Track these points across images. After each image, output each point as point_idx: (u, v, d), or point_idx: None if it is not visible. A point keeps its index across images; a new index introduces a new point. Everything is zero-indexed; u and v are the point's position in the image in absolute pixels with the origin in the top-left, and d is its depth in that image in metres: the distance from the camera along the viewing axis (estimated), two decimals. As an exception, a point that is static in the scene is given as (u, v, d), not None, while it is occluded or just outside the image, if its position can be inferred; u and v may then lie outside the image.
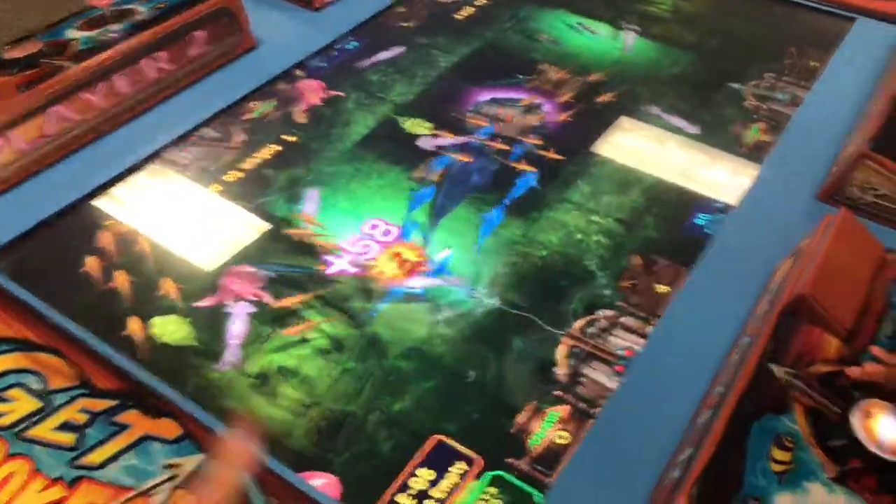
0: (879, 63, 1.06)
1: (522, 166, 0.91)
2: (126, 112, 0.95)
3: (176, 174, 0.90)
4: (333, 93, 1.02)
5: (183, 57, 1.00)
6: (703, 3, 1.21)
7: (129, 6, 1.02)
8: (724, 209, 0.86)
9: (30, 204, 0.85)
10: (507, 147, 0.94)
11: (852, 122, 0.96)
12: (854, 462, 0.56)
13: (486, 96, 1.02)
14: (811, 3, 1.19)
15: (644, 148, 0.94)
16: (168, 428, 0.64)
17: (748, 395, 0.59)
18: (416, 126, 0.97)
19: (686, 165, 0.92)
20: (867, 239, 0.71)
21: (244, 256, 0.80)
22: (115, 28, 0.97)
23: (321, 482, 0.62)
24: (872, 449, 0.56)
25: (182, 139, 0.95)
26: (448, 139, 0.94)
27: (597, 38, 1.14)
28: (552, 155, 0.93)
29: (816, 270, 0.65)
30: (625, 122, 0.98)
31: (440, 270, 0.79)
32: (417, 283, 0.78)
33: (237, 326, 0.74)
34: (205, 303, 0.76)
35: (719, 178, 0.91)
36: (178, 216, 0.85)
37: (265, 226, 0.84)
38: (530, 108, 1.00)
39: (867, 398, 0.59)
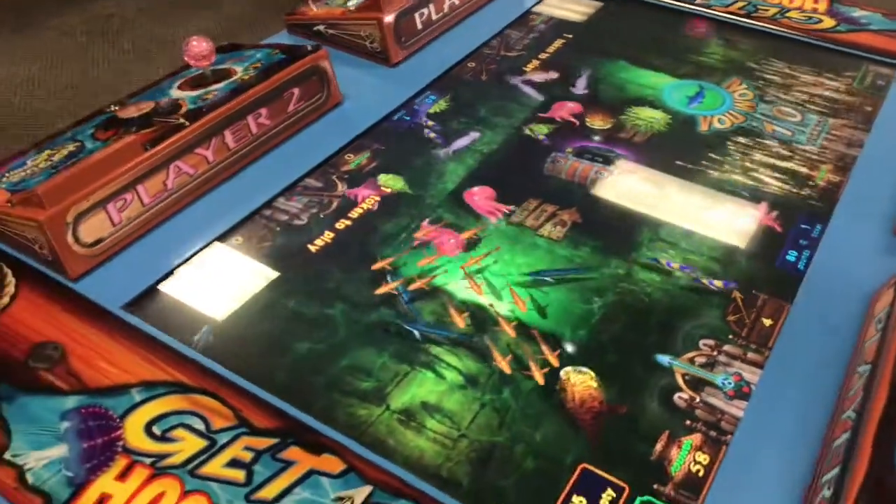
0: (929, 106, 1.13)
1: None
2: (234, 165, 1.00)
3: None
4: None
5: (281, 113, 1.05)
6: (751, 53, 1.28)
7: (225, 66, 1.08)
8: (810, 245, 0.91)
9: (159, 253, 0.89)
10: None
11: (913, 161, 1.02)
12: None
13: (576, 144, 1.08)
14: (855, 51, 1.27)
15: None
16: (331, 463, 0.68)
17: (887, 417, 0.63)
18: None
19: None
20: (965, 270, 0.76)
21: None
22: (217, 87, 1.02)
23: None
24: None
25: (289, 189, 1.00)
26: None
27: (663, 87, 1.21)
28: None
29: (930, 299, 0.70)
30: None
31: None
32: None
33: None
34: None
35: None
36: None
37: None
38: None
39: None
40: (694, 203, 0.98)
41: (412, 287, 0.86)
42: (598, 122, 1.12)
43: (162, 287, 0.87)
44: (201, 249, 0.91)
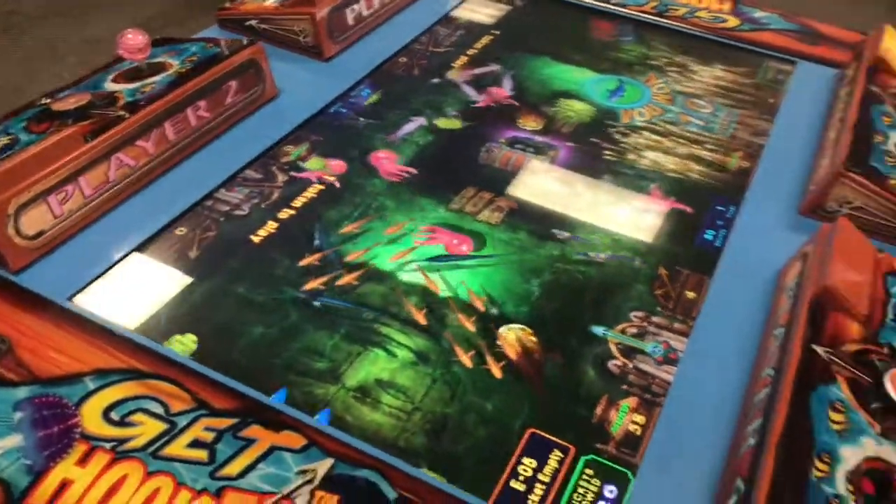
0: (823, 98, 1.24)
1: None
2: (174, 157, 1.01)
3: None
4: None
5: (219, 105, 1.06)
6: (665, 50, 1.37)
7: (160, 59, 1.08)
8: (726, 225, 0.99)
9: (103, 245, 0.89)
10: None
11: (813, 148, 1.12)
12: (892, 419, 0.68)
13: (509, 134, 1.13)
14: (757, 49, 1.37)
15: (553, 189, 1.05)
16: (292, 439, 0.70)
17: (801, 371, 0.70)
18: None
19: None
20: (862, 241, 0.85)
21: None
22: (154, 80, 1.03)
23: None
24: (905, 407, 0.68)
25: (229, 180, 1.01)
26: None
27: (585, 81, 1.27)
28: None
29: (834, 266, 0.78)
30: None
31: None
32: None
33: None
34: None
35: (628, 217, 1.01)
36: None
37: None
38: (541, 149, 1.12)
39: (891, 368, 0.72)
40: (607, 198, 1.04)
41: (340, 283, 0.88)
42: (530, 124, 1.16)
43: (108, 277, 0.87)
44: (145, 241, 0.91)
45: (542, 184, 1.04)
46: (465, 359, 0.80)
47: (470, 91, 1.23)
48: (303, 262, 0.90)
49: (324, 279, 0.88)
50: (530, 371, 0.79)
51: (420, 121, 1.14)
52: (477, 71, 1.28)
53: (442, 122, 1.15)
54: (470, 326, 0.84)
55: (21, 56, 2.63)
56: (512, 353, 0.81)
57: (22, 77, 2.52)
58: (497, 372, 0.79)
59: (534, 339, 0.83)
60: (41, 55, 2.63)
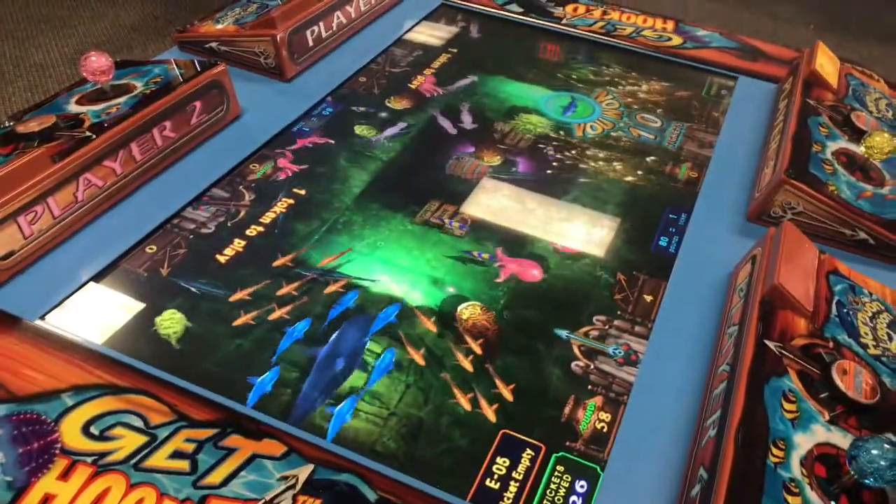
0: (763, 111, 1.31)
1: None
2: (141, 177, 1.02)
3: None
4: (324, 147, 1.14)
5: (184, 126, 1.08)
6: (614, 64, 1.43)
7: (124, 81, 1.09)
8: (678, 232, 1.04)
9: (73, 264, 0.90)
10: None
11: (756, 158, 1.18)
12: (839, 407, 0.73)
13: (468, 149, 1.17)
14: (700, 65, 1.44)
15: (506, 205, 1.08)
16: (272, 447, 0.72)
17: (754, 365, 0.75)
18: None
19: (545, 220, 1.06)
20: (806, 243, 0.90)
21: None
22: (119, 101, 1.04)
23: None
24: (851, 396, 0.73)
25: (196, 199, 1.02)
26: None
27: (540, 98, 1.32)
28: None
29: (781, 267, 0.83)
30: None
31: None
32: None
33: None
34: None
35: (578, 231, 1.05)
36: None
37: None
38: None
39: (837, 360, 0.77)
40: (559, 214, 1.09)
41: (272, 317, 0.87)
42: (493, 160, 1.17)
43: (80, 295, 0.87)
44: (116, 259, 0.92)
45: (498, 201, 1.08)
46: (465, 401, 0.80)
47: (432, 111, 1.26)
48: (234, 298, 0.90)
49: (255, 313, 0.88)
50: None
51: (402, 125, 1.21)
52: (438, 88, 1.31)
53: (403, 140, 1.18)
54: (469, 367, 0.84)
55: (-33, 80, 2.58)
56: (469, 325, 0.87)
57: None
58: (491, 416, 0.79)
59: (488, 314, 0.88)
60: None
